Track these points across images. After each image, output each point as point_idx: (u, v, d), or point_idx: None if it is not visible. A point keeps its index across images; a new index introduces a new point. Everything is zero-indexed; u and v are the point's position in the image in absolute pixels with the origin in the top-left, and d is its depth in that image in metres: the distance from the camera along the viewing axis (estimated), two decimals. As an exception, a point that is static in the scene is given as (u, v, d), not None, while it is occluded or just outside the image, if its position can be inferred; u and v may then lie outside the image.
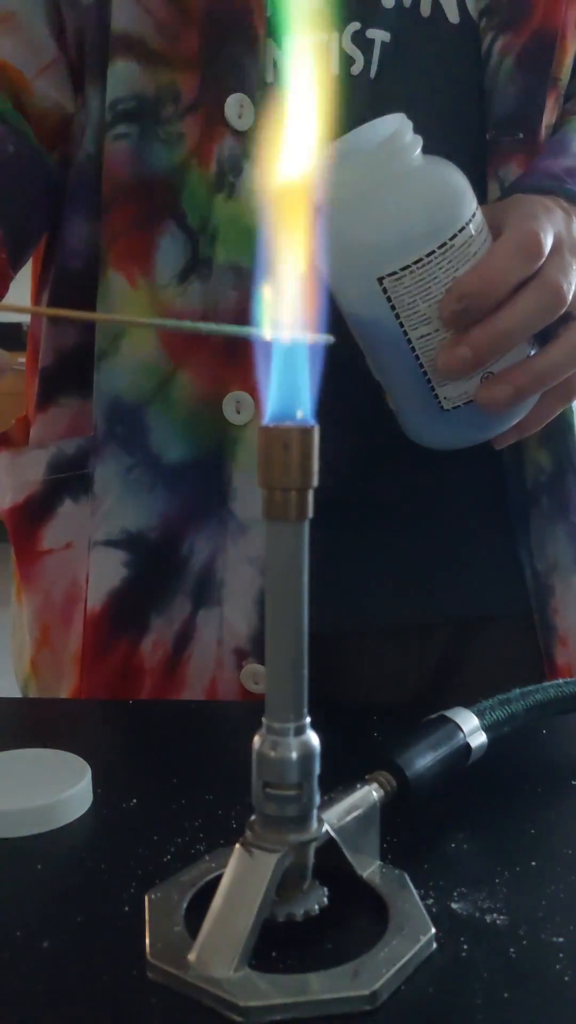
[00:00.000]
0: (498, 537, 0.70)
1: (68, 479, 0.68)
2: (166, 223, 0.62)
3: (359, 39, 0.62)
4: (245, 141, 0.60)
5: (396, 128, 0.52)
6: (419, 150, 0.53)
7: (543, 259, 0.53)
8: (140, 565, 0.65)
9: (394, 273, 0.52)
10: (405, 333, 0.54)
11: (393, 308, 0.53)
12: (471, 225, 0.53)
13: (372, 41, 0.62)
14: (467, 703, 0.48)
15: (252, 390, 0.62)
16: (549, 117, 0.66)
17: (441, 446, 0.60)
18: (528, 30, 0.63)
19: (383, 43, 0.62)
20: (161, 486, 0.64)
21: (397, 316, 0.53)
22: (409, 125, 0.53)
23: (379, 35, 0.62)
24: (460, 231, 0.52)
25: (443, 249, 0.52)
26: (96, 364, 0.64)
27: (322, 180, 0.52)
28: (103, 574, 0.65)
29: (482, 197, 0.63)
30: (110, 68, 0.61)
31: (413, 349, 0.54)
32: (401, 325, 0.53)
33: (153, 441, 0.64)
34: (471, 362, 0.53)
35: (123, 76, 0.61)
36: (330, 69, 0.62)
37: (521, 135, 0.64)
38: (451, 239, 0.52)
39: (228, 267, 0.61)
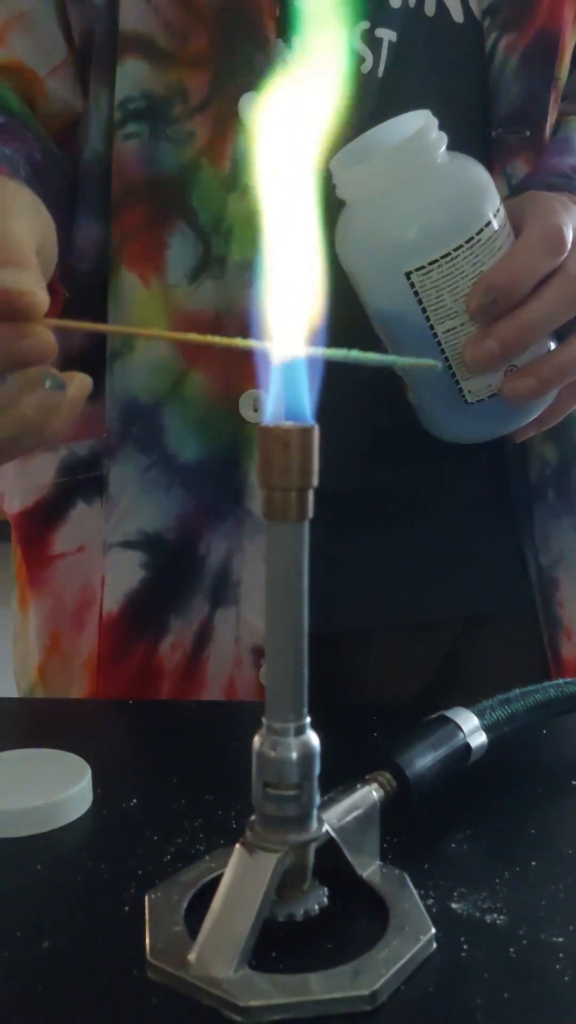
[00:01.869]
0: (502, 532, 0.70)
1: (80, 481, 0.68)
2: (176, 222, 0.62)
3: (368, 38, 0.62)
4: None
5: (422, 125, 0.53)
6: (444, 147, 0.54)
7: (567, 252, 0.54)
8: (157, 566, 0.65)
9: (422, 267, 0.52)
10: (431, 327, 0.54)
11: (420, 302, 0.53)
12: (496, 220, 0.53)
13: (381, 40, 0.62)
14: (468, 702, 0.48)
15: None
16: (550, 117, 0.66)
17: (463, 440, 0.61)
18: (532, 29, 0.63)
19: (390, 42, 0.62)
20: (178, 486, 0.64)
21: (424, 310, 0.54)
22: (434, 122, 0.53)
23: (387, 34, 0.62)
24: (486, 226, 0.53)
25: (470, 244, 0.52)
26: (108, 365, 0.64)
27: (349, 176, 0.53)
28: (120, 576, 0.65)
29: None
30: (119, 67, 0.61)
31: (439, 343, 0.55)
32: (427, 319, 0.54)
33: (169, 440, 0.64)
34: (498, 355, 0.53)
35: (132, 75, 0.61)
36: (341, 67, 0.62)
37: (527, 132, 0.64)
38: (477, 234, 0.52)
39: (243, 265, 0.61)
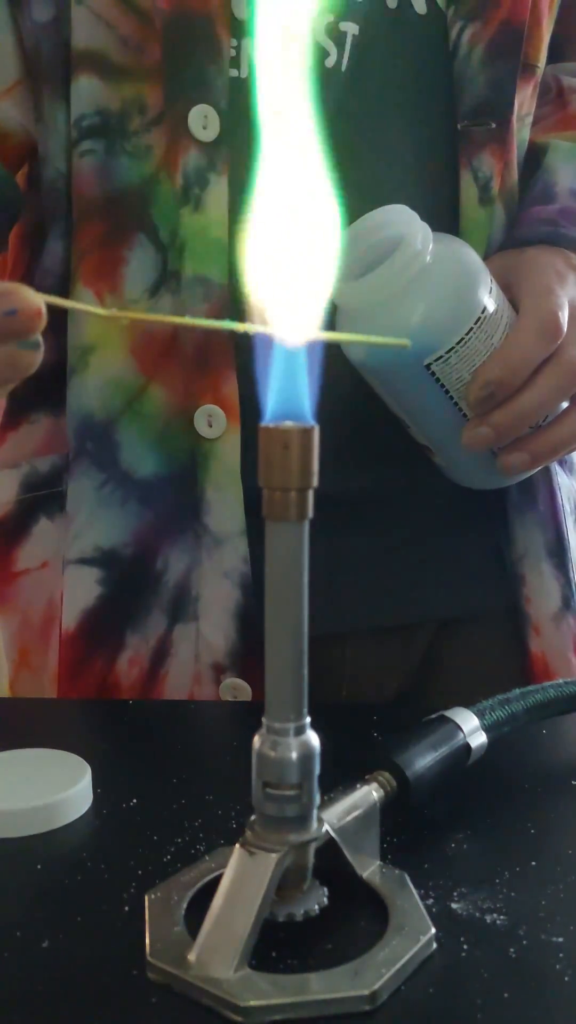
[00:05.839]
0: (478, 534, 0.70)
1: (43, 497, 0.68)
2: (136, 237, 0.62)
3: (332, 31, 0.61)
4: (211, 153, 0.59)
5: (404, 234, 0.54)
6: (431, 241, 0.55)
7: (562, 338, 0.56)
8: (114, 582, 0.65)
9: (440, 357, 0.55)
10: (456, 403, 0.57)
11: (443, 386, 0.56)
12: (493, 292, 0.56)
13: (345, 34, 0.61)
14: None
15: (223, 403, 0.61)
16: (529, 105, 0.66)
17: (497, 486, 0.66)
18: (497, 19, 0.62)
19: (353, 35, 0.61)
20: (134, 501, 0.64)
21: (447, 392, 0.57)
22: (415, 220, 0.55)
23: (350, 27, 0.61)
24: (487, 302, 0.55)
25: (478, 323, 0.55)
26: (68, 381, 0.64)
27: (343, 290, 0.55)
28: (77, 593, 0.65)
29: (456, 187, 0.64)
30: (73, 85, 0.60)
31: (465, 416, 0.58)
32: (452, 398, 0.57)
33: (124, 457, 0.64)
34: (492, 441, 0.57)
35: (86, 92, 0.60)
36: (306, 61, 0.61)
37: (493, 125, 0.63)
38: (483, 312, 0.55)
39: (196, 280, 0.60)
